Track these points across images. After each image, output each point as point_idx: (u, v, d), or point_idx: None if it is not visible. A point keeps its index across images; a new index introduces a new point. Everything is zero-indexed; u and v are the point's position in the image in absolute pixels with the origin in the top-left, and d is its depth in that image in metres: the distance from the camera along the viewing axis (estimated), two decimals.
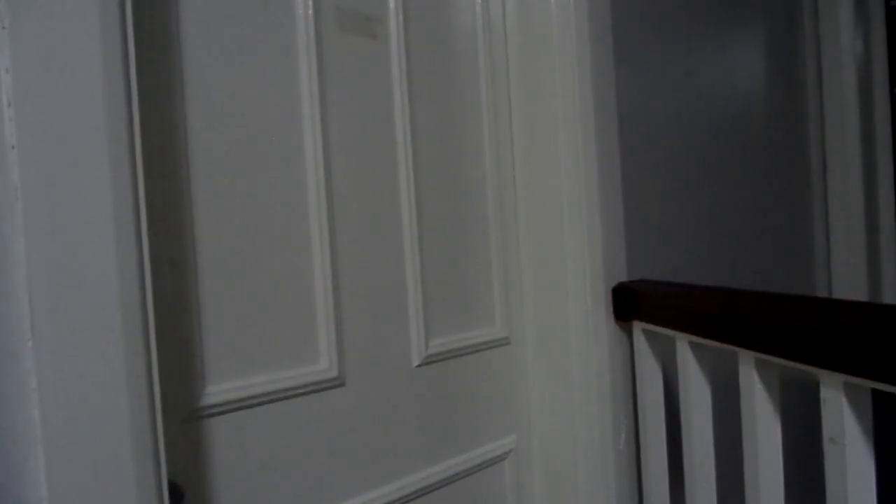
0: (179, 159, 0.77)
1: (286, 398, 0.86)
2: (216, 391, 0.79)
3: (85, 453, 0.55)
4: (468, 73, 1.14)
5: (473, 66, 1.15)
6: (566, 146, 1.11)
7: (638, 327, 1.13)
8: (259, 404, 0.83)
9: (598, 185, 1.12)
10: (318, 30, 0.91)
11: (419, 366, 1.03)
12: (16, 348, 0.51)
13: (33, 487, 0.52)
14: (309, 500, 0.88)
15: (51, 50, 0.54)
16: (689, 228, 1.39)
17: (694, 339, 0.98)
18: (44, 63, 0.54)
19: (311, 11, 0.90)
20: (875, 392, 0.71)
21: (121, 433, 0.57)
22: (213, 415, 0.79)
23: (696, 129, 1.42)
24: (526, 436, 1.20)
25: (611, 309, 1.13)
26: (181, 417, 0.76)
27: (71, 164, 0.55)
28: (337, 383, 0.92)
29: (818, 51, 1.77)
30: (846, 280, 1.74)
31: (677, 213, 1.36)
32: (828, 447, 0.73)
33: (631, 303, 1.11)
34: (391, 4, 1.01)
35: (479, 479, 1.12)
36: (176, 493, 0.72)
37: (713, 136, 1.47)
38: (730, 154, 1.52)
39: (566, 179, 1.12)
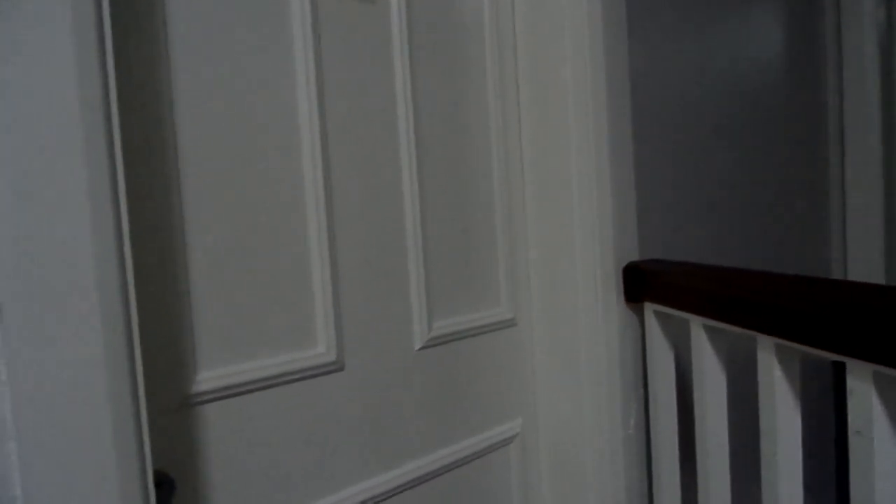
0: (167, 137, 0.72)
1: (282, 384, 0.82)
2: (208, 377, 0.75)
3: (62, 447, 0.51)
4: (473, 40, 1.08)
5: (479, 32, 1.09)
6: (576, 120, 1.06)
7: (649, 309, 1.08)
8: (254, 390, 0.79)
9: (608, 159, 1.07)
10: None
11: (422, 348, 0.99)
12: None
13: (5, 486, 0.48)
14: (307, 489, 0.85)
15: (19, 19, 0.49)
16: (703, 209, 1.34)
17: (709, 322, 0.94)
18: (11, 33, 0.49)
19: None
20: None
21: (101, 423, 0.54)
22: (205, 402, 0.75)
23: (710, 105, 1.36)
24: (532, 420, 1.16)
25: (621, 289, 1.09)
26: (172, 405, 0.72)
27: (42, 134, 0.50)
28: (335, 368, 0.88)
29: (838, 20, 1.70)
30: (862, 264, 1.68)
31: (691, 193, 1.31)
32: (854, 440, 0.68)
33: (642, 283, 1.07)
34: None
35: (484, 465, 1.09)
36: (165, 483, 0.69)
37: (728, 112, 1.41)
38: (745, 132, 1.46)
39: (576, 154, 1.06)
